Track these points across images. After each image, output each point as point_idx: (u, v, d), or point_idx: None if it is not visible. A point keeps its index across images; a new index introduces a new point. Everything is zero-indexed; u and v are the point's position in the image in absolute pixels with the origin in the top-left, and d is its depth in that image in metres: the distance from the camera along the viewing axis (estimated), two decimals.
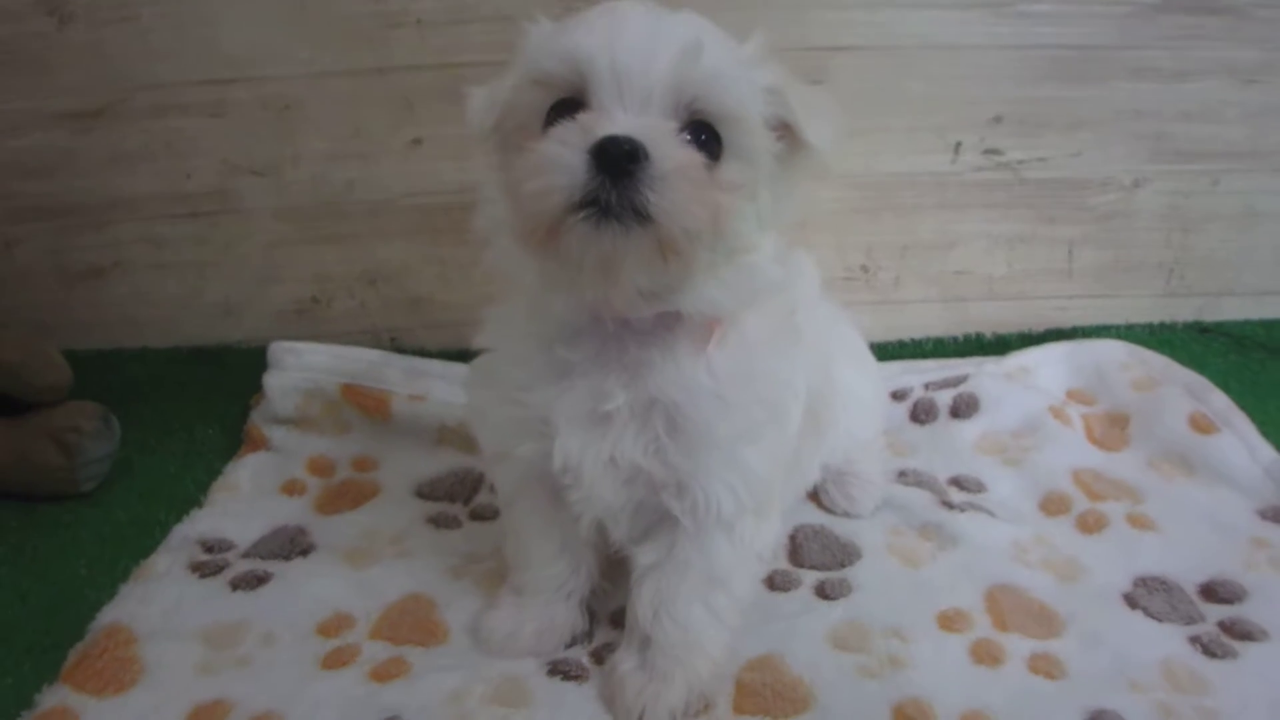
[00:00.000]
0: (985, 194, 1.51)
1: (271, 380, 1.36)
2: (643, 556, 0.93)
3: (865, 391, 1.21)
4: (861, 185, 1.49)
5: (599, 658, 0.99)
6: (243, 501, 1.23)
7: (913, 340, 1.58)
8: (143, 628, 0.99)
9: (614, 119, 0.72)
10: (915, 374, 1.48)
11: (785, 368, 0.90)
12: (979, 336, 1.58)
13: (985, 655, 0.99)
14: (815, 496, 1.25)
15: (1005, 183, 1.50)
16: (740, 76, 0.76)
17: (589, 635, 1.03)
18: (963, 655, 1.00)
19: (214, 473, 1.29)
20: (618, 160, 0.69)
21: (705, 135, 0.75)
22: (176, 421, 1.39)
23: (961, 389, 1.43)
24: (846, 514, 1.22)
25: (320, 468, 1.30)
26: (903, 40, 1.42)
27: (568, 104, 0.75)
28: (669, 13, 0.76)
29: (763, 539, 0.95)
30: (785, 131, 0.80)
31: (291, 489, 1.26)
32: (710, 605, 0.93)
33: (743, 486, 0.88)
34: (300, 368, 1.37)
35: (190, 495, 1.24)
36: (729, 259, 0.78)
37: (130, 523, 1.20)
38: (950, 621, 1.04)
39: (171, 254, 1.48)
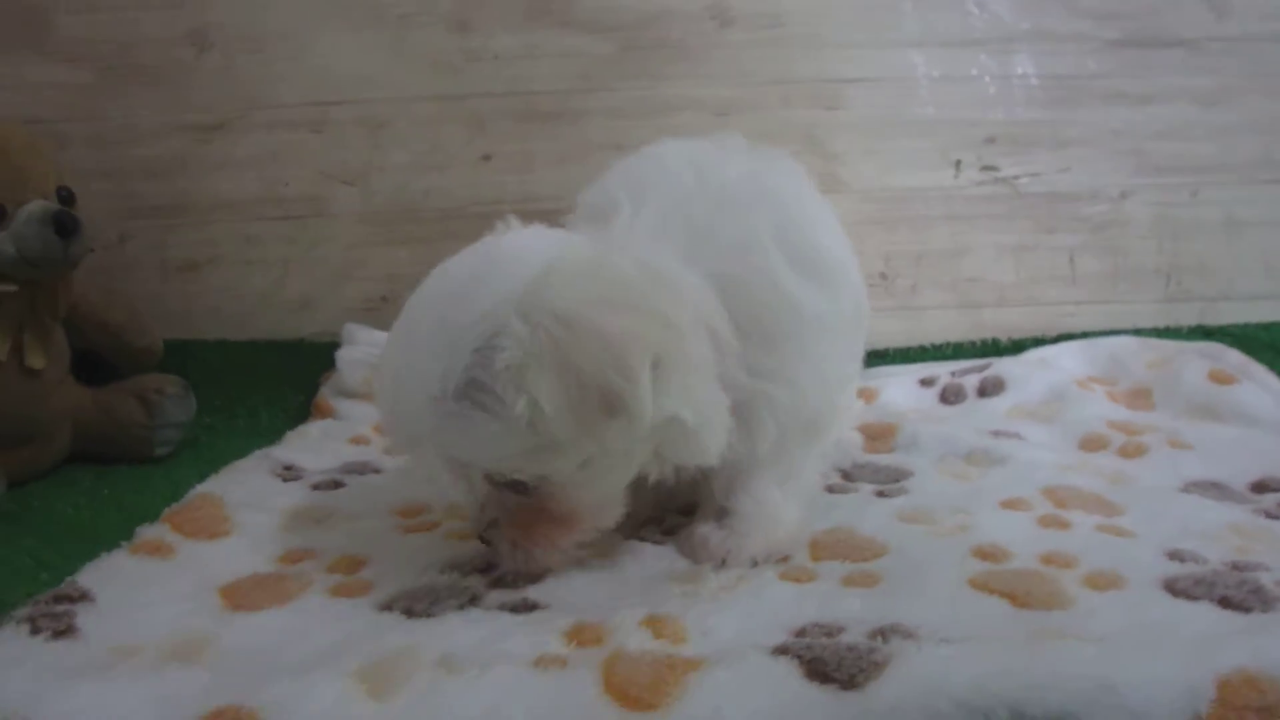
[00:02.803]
0: (988, 206, 1.64)
1: (344, 354, 1.46)
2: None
3: None
4: (877, 198, 1.62)
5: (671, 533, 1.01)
6: (314, 444, 1.28)
7: (933, 345, 1.65)
8: (233, 499, 1.03)
9: None
10: (940, 366, 1.55)
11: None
12: (995, 342, 1.65)
13: (1053, 523, 1.01)
14: None
15: (1005, 196, 1.64)
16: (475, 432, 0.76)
17: (660, 520, 1.04)
18: (1030, 524, 1.01)
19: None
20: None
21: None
22: (243, 406, 1.47)
23: (987, 373, 1.49)
24: None
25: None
26: (906, 72, 1.61)
27: None
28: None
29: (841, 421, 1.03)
30: None
31: (358, 440, 1.31)
32: (784, 488, 0.97)
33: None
34: (370, 343, 1.47)
35: None
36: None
37: (199, 478, 1.18)
38: (1012, 505, 1.05)
39: (262, 251, 1.62)
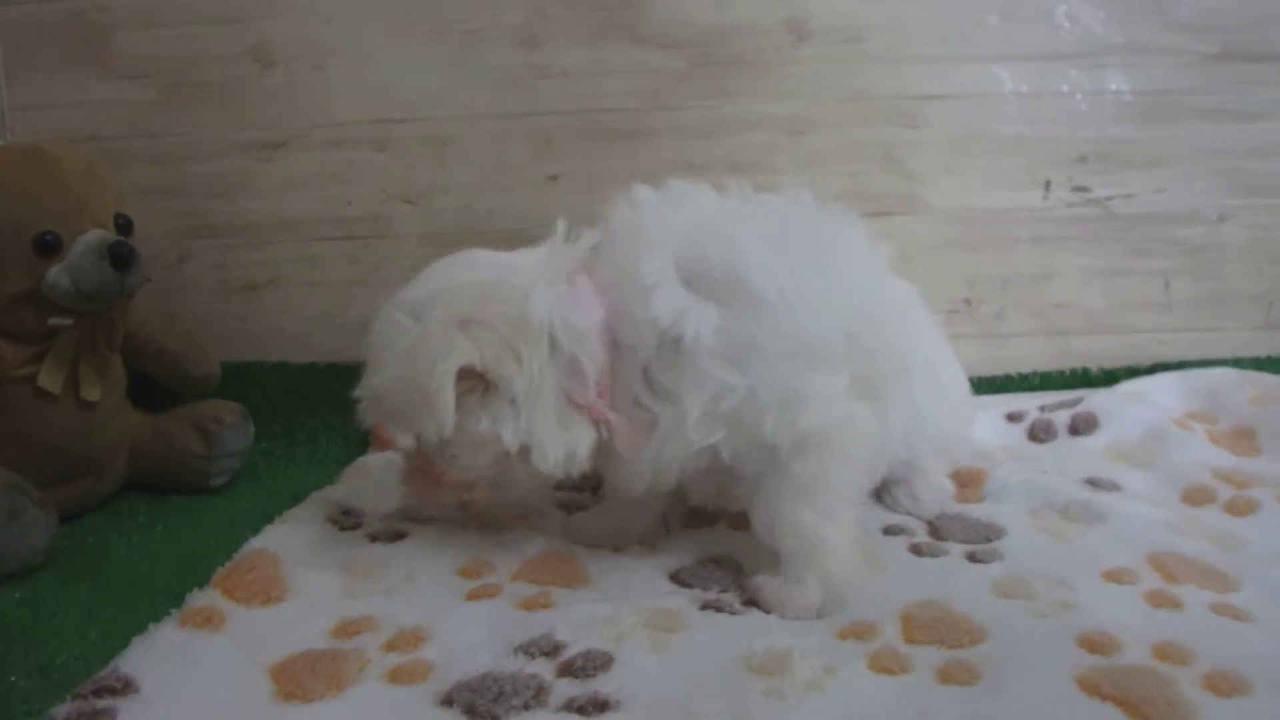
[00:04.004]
0: (1077, 228, 1.55)
1: None
2: (745, 467, 0.96)
3: (948, 372, 1.19)
4: (960, 220, 1.54)
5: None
6: (374, 483, 1.22)
7: (1019, 375, 1.57)
8: (288, 555, 1.00)
9: None
10: (1028, 400, 1.47)
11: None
12: (1085, 371, 1.57)
13: (1163, 601, 0.94)
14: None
15: (1095, 217, 1.55)
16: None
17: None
18: (1138, 601, 0.94)
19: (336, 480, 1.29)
20: None
21: None
22: (302, 432, 1.44)
23: (1079, 409, 1.41)
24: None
25: None
26: (989, 88, 1.52)
27: None
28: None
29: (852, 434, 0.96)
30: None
31: None
32: (817, 507, 0.95)
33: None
34: None
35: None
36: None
37: (256, 510, 1.19)
38: (1116, 576, 0.99)
39: (323, 273, 1.58)
